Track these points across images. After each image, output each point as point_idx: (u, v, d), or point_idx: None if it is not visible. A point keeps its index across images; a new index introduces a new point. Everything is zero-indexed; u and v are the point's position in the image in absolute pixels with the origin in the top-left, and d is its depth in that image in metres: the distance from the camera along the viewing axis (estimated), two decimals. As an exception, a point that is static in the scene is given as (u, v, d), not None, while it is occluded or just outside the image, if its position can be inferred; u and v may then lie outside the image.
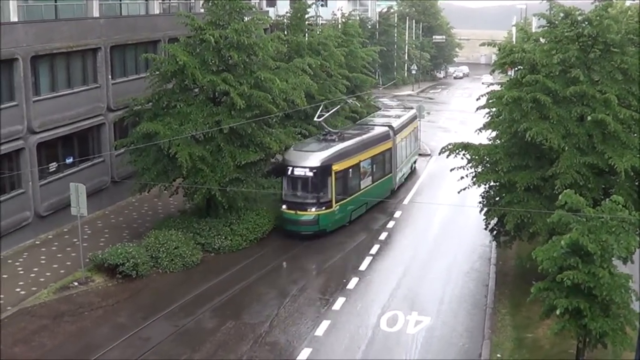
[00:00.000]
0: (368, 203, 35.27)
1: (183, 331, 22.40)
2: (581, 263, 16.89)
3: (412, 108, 49.89)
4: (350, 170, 33.44)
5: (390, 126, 40.03)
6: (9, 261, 27.18)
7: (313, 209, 31.13)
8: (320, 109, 35.55)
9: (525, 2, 67.50)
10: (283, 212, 31.53)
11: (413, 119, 45.96)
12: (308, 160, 31.64)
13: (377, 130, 38.64)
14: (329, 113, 36.31)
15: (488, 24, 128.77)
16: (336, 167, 31.90)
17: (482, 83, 32.66)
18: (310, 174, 31.27)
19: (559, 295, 17.24)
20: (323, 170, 31.38)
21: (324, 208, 31.32)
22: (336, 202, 31.86)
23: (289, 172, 31.62)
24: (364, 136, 36.92)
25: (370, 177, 35.81)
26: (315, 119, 35.27)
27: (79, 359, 20.58)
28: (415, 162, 46.03)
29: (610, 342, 17.05)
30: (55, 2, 31.34)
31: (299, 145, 33.22)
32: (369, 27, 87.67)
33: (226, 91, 28.41)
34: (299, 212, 31.18)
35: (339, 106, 36.80)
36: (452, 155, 25.51)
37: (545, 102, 22.99)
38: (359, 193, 34.24)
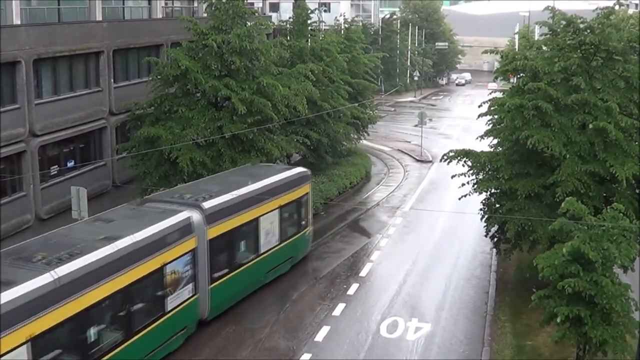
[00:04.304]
0: None
1: (182, 336, 22.34)
2: (582, 271, 16.91)
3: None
4: None
5: None
6: (10, 264, 27.11)
7: None
8: None
9: (528, 9, 67.59)
10: None
11: None
12: None
13: None
14: None
15: (491, 31, 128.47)
16: None
17: (488, 89, 32.44)
18: None
19: (560, 303, 17.27)
20: None
21: None
22: None
23: None
24: None
25: None
26: None
27: None
28: None
29: (610, 350, 17.08)
30: (58, 5, 31.36)
31: None
32: (372, 33, 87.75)
33: (228, 96, 28.43)
34: None
35: None
36: (454, 162, 25.55)
37: (546, 109, 22.98)
38: None
